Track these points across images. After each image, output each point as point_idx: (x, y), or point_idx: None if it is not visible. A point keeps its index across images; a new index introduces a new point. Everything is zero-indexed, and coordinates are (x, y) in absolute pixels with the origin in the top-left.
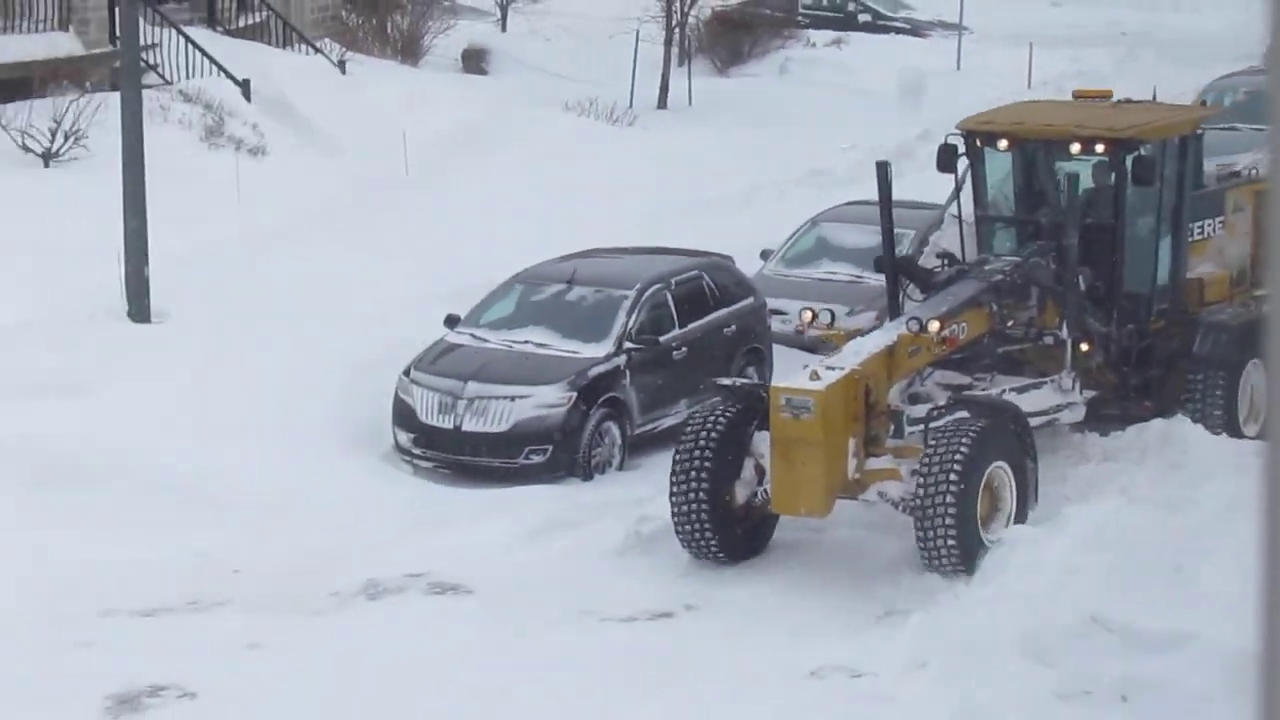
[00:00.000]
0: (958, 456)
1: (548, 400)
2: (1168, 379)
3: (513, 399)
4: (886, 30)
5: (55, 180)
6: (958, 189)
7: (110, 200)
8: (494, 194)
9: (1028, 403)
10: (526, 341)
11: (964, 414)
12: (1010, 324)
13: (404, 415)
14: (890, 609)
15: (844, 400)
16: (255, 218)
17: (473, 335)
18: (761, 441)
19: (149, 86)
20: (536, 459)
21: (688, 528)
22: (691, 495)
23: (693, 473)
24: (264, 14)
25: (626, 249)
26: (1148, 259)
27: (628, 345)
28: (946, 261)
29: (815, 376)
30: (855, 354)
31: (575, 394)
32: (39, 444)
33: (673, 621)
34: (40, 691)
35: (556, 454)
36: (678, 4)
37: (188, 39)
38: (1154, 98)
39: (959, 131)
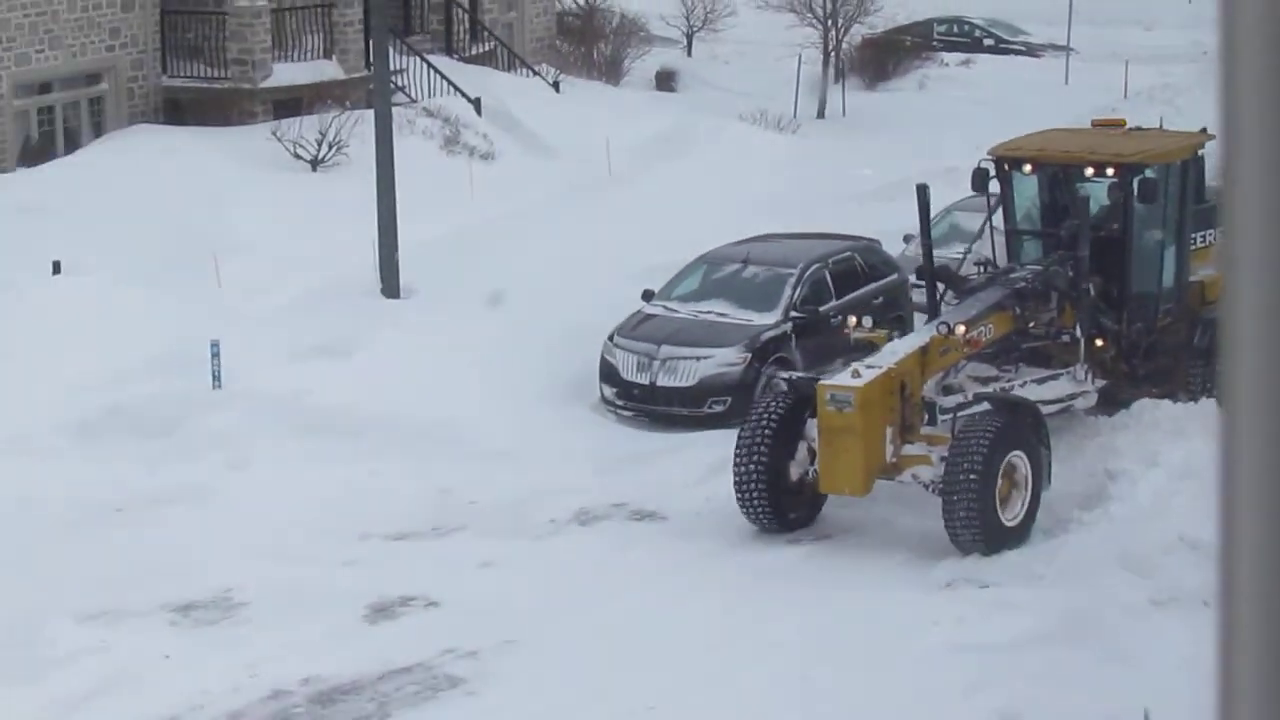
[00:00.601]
0: (980, 446)
1: (727, 360)
2: (1174, 369)
3: (698, 359)
4: (1007, 52)
5: (321, 182)
6: (994, 205)
7: (366, 198)
8: (681, 190)
9: (1046, 391)
10: (709, 311)
11: (987, 408)
12: (1033, 324)
13: (608, 373)
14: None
15: (881, 394)
16: (485, 211)
17: (664, 307)
18: (814, 428)
19: (397, 104)
20: (718, 408)
21: (747, 498)
22: (751, 470)
23: (753, 452)
24: (492, 43)
25: (792, 234)
26: (1155, 265)
27: (793, 314)
28: (984, 268)
29: (856, 374)
30: (892, 354)
31: (750, 355)
32: (310, 398)
33: (831, 542)
34: (313, 600)
35: (734, 404)
36: (833, 32)
37: (429, 64)
38: (1160, 125)
39: (990, 157)
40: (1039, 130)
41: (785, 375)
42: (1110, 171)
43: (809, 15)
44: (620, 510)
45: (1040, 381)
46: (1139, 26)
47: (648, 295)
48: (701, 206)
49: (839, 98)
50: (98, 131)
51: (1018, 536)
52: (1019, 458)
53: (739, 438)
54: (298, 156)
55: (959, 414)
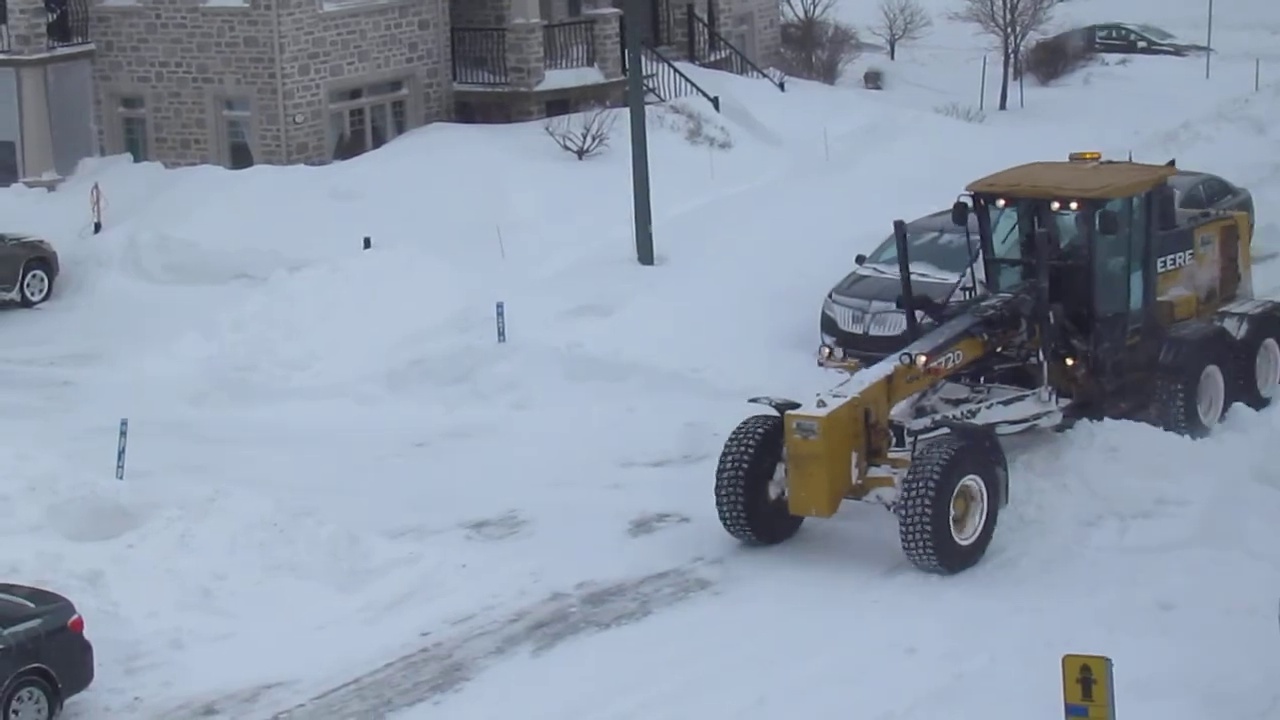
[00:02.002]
0: (934, 470)
1: None
2: (1145, 384)
3: None
4: (1158, 52)
5: (586, 169)
6: (980, 237)
7: (624, 182)
8: (888, 171)
9: (1012, 412)
10: (913, 273)
11: (946, 433)
12: (1002, 348)
13: (828, 325)
14: None
15: (846, 422)
16: (723, 191)
17: (875, 269)
18: None
19: (649, 103)
20: None
21: (728, 514)
22: (732, 488)
23: (735, 471)
24: (727, 51)
25: None
26: (1122, 289)
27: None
28: (967, 294)
29: (821, 404)
30: (859, 383)
31: None
32: (579, 349)
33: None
34: (584, 518)
35: None
36: (1012, 37)
37: (675, 69)
38: (1130, 159)
39: (969, 193)
40: (1019, 165)
41: (768, 399)
42: (1074, 205)
43: (992, 24)
44: None
45: (1006, 403)
46: (1269, 30)
47: (860, 259)
48: (904, 184)
49: (1018, 93)
50: (399, 129)
51: (974, 554)
52: (973, 480)
53: (722, 457)
54: (566, 148)
55: (920, 438)
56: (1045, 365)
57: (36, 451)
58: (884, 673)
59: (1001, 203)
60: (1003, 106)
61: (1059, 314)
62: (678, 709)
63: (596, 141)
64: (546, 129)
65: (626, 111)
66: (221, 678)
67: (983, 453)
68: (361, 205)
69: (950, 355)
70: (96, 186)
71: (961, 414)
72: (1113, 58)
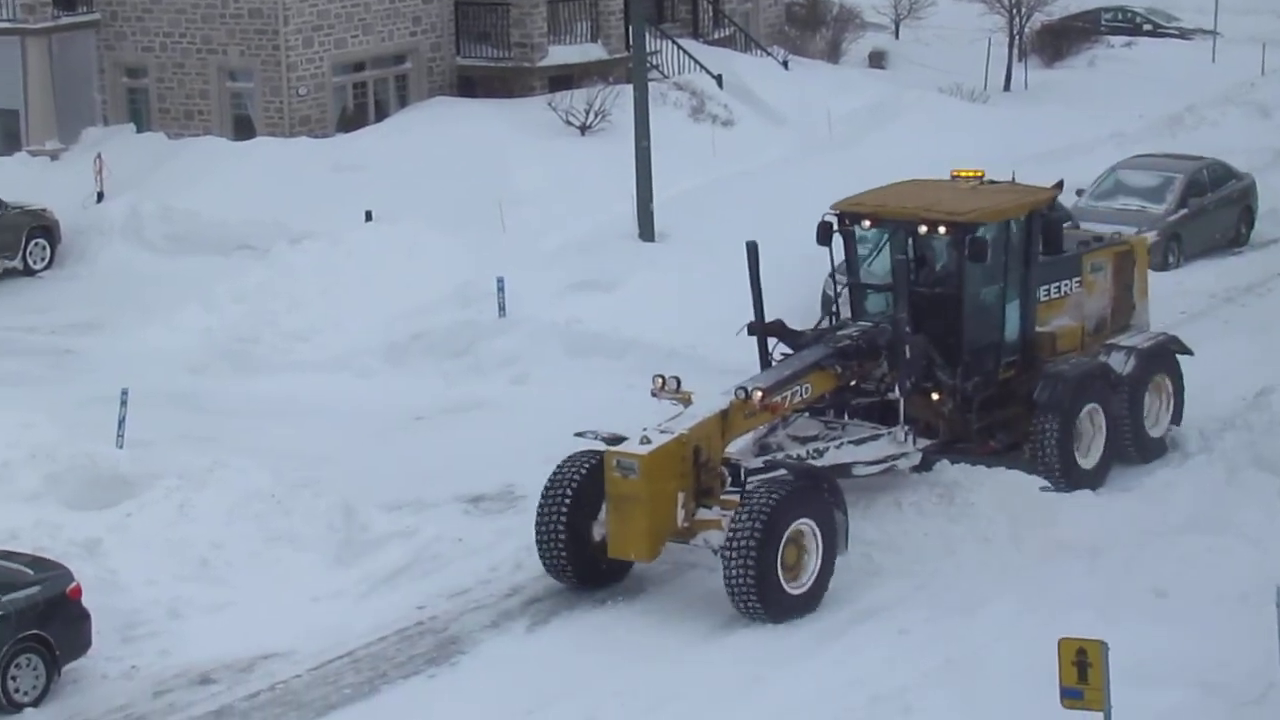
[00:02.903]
0: (763, 513)
1: None
2: (1021, 420)
3: None
4: (1163, 35)
5: (589, 145)
6: (845, 259)
7: (626, 158)
8: (890, 149)
9: (865, 452)
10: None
11: (780, 474)
12: (856, 381)
13: (827, 304)
14: None
15: (670, 461)
16: (725, 169)
17: None
18: None
19: (652, 80)
20: None
21: (549, 556)
22: (552, 528)
23: (555, 511)
24: (731, 29)
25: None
26: (995, 318)
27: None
28: (832, 317)
29: (645, 441)
30: (691, 418)
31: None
32: (579, 325)
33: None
34: None
35: None
36: (1017, 19)
37: (679, 46)
38: (1013, 179)
39: (834, 212)
40: (893, 182)
41: (594, 433)
42: (943, 230)
43: (997, 5)
44: None
45: (859, 442)
46: (1275, 15)
47: None
48: (907, 161)
49: (1021, 74)
50: (403, 103)
51: (805, 603)
52: (807, 525)
53: (542, 494)
54: (569, 123)
55: (753, 479)
56: (901, 402)
57: (37, 419)
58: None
59: (867, 224)
60: (1007, 88)
61: (920, 345)
62: (676, 682)
63: (599, 118)
64: (549, 104)
65: (629, 88)
66: (218, 647)
67: (818, 496)
68: (364, 178)
69: (796, 389)
70: (99, 156)
71: (808, 453)
72: (1118, 40)
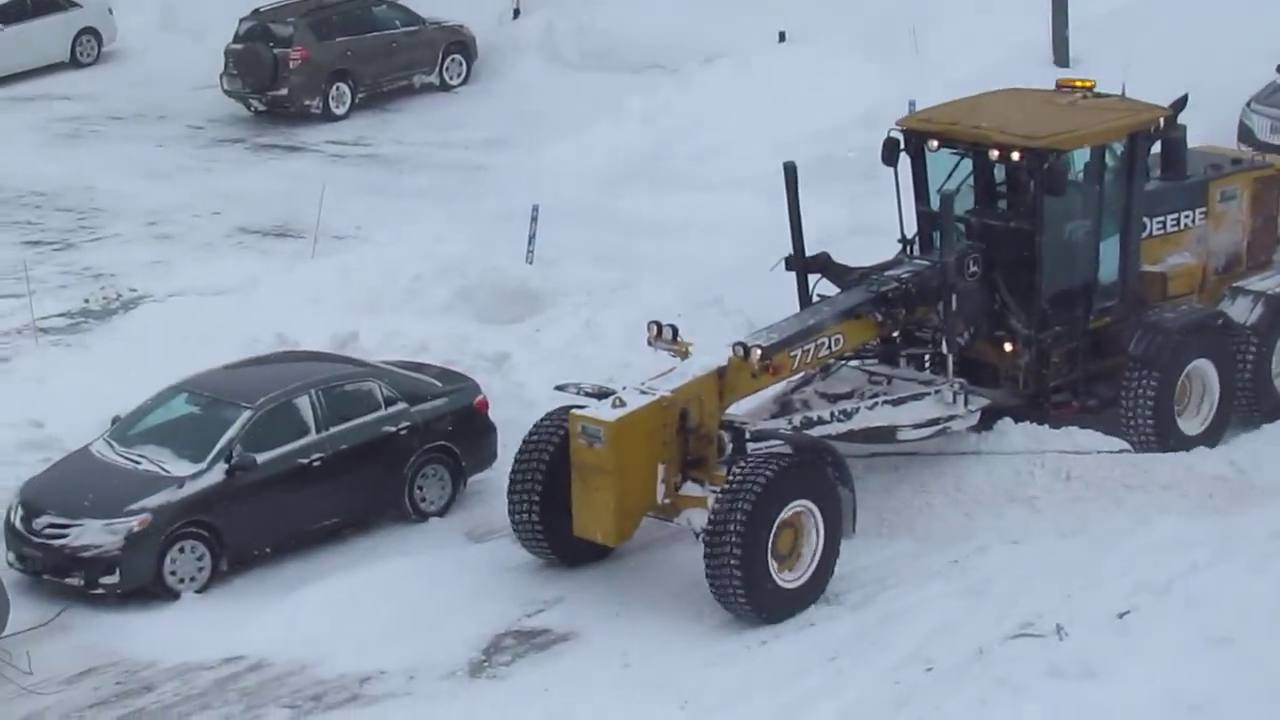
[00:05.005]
0: (751, 493)
1: None
2: (1111, 376)
3: None
4: None
5: None
6: (913, 183)
7: None
8: None
9: (903, 415)
10: None
11: (777, 446)
12: (917, 328)
13: (1245, 134)
14: None
15: (647, 428)
16: None
17: None
18: None
19: None
20: None
21: (523, 530)
22: (524, 499)
23: (528, 479)
24: None
25: None
26: (1085, 258)
27: None
28: (909, 247)
29: (618, 403)
30: (680, 376)
31: None
32: None
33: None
34: None
35: None
36: None
37: None
38: (1123, 93)
39: (899, 128)
40: (985, 91)
41: (577, 386)
42: (1016, 156)
43: None
44: None
45: (898, 402)
46: None
47: None
48: None
49: None
50: None
51: (804, 597)
52: (804, 506)
53: (515, 460)
54: None
55: (753, 450)
56: (950, 357)
57: (449, 233)
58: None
59: (934, 144)
60: None
61: (971, 294)
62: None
63: None
64: None
65: None
66: None
67: (820, 472)
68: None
69: (821, 341)
70: None
71: (834, 414)
72: None
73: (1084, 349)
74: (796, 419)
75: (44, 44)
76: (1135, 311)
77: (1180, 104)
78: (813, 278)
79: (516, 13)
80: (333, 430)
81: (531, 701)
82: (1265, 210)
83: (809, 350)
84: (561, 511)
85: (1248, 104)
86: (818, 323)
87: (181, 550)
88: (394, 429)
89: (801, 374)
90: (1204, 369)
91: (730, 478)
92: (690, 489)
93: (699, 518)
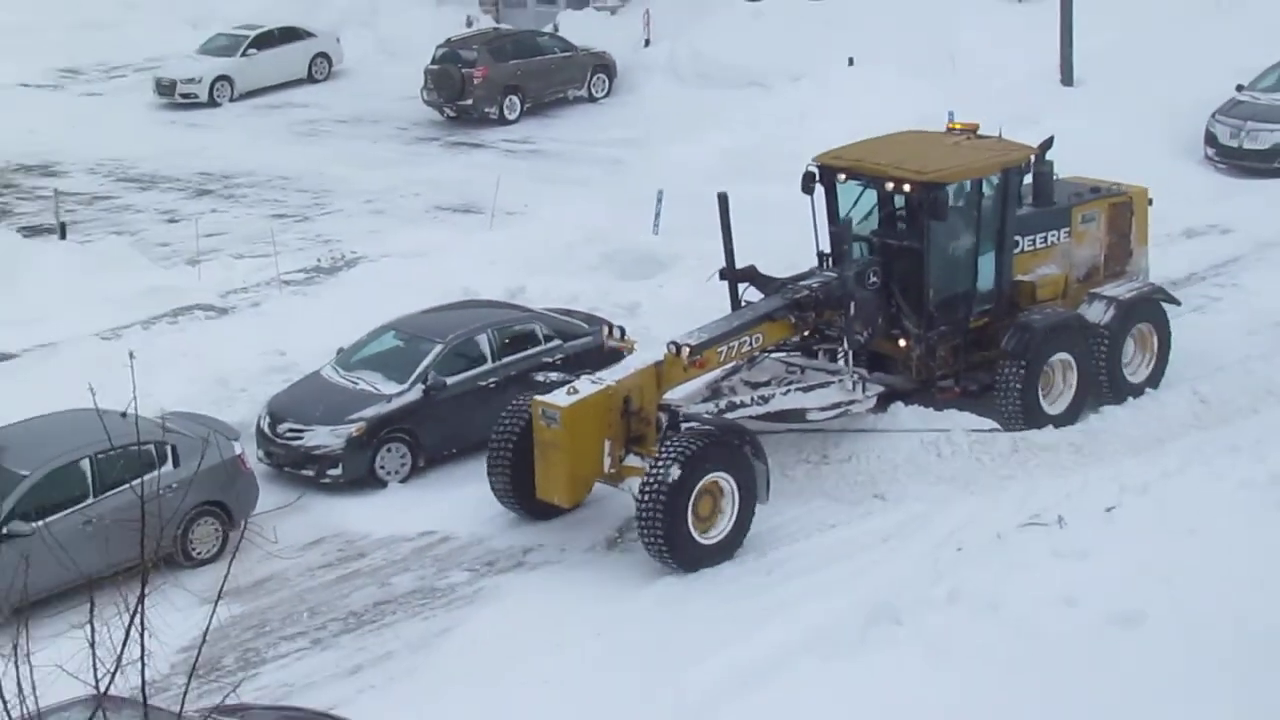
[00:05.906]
0: (672, 464)
1: None
2: (989, 368)
3: (1272, 130)
4: None
5: (1023, 10)
6: (827, 207)
7: (1056, 23)
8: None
9: (812, 400)
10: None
11: (695, 426)
12: (826, 328)
13: (1210, 139)
14: None
15: (595, 411)
16: (1141, 24)
17: (1251, 95)
18: None
19: None
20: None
21: (499, 491)
22: (500, 464)
23: (502, 447)
24: None
25: None
26: (964, 271)
27: None
28: (824, 261)
29: (572, 391)
30: (623, 369)
31: None
32: None
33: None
34: None
35: None
36: None
37: None
38: (999, 134)
39: (814, 164)
40: (888, 134)
41: (546, 376)
42: (907, 188)
43: None
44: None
45: (808, 389)
46: None
47: (1239, 87)
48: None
49: None
50: None
51: (721, 552)
52: (722, 477)
53: (491, 438)
54: None
55: (683, 428)
56: (848, 354)
57: (595, 211)
58: None
59: (842, 177)
60: None
61: (867, 302)
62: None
63: None
64: None
65: None
66: None
67: (736, 450)
68: (845, 33)
69: (743, 340)
70: (647, 11)
71: (753, 399)
72: None
73: (965, 344)
74: (723, 403)
75: (288, 65)
76: (1008, 313)
77: (1047, 144)
78: (742, 286)
79: (647, 42)
80: (504, 360)
81: (654, 566)
82: (1119, 230)
83: (733, 347)
84: (528, 478)
85: (1213, 115)
86: (741, 324)
87: (389, 450)
88: (551, 360)
89: (731, 364)
90: (1065, 361)
91: (659, 451)
92: (632, 461)
93: (637, 484)
